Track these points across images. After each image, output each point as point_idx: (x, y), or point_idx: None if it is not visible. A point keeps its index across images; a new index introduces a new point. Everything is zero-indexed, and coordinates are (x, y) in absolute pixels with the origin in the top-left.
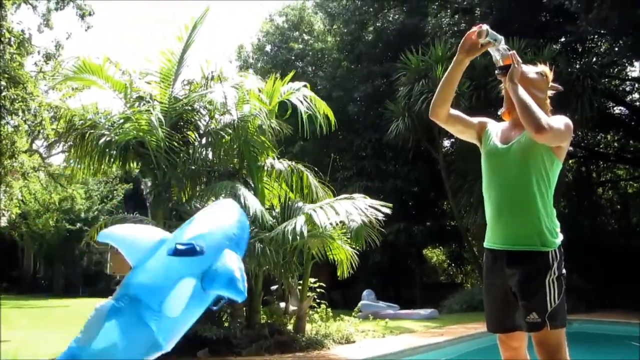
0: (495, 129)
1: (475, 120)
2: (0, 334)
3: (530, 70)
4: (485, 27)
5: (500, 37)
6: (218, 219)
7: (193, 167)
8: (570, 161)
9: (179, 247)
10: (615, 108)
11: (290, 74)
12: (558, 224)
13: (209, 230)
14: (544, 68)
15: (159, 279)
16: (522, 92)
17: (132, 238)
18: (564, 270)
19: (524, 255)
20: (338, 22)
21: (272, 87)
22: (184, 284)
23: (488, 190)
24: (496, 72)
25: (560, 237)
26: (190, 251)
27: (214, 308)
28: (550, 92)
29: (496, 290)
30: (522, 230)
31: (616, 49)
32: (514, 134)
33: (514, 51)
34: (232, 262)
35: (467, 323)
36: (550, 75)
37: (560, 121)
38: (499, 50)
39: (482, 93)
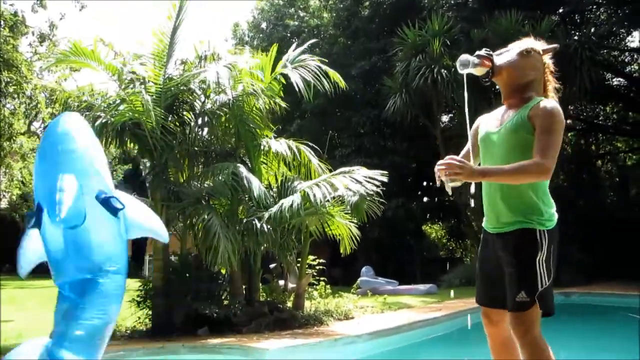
0: (488, 119)
1: (471, 135)
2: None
3: (511, 54)
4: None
5: (466, 58)
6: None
7: (189, 148)
8: (569, 134)
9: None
10: (614, 79)
11: (274, 48)
12: (552, 204)
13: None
14: (528, 44)
15: None
16: (497, 174)
17: None
18: (553, 255)
19: (513, 234)
20: None
21: (265, 61)
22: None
23: None
24: (484, 82)
25: (553, 219)
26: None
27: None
28: (547, 57)
29: (489, 265)
30: (510, 213)
31: (614, 18)
32: (506, 117)
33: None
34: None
35: (466, 298)
36: (539, 45)
37: (550, 139)
38: (472, 66)
39: None
